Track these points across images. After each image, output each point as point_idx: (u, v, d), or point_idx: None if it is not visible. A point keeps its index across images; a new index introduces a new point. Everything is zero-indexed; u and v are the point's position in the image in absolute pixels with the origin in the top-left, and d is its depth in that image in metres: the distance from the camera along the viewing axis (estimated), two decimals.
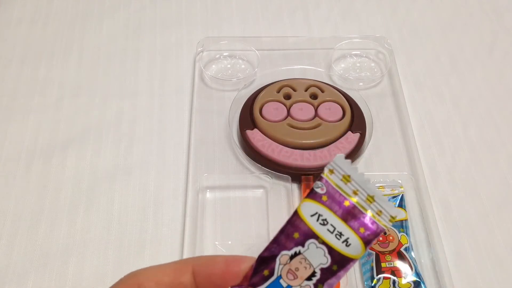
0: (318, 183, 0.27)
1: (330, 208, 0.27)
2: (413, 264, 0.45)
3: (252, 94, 0.58)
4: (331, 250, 0.26)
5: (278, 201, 0.52)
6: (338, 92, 0.58)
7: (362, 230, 0.26)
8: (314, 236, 0.26)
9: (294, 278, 0.26)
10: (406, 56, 0.66)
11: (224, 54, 0.64)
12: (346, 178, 0.27)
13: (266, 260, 0.27)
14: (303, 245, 0.26)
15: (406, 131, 0.57)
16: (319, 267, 0.26)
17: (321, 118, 0.55)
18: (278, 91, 0.58)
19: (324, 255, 0.26)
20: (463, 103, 0.61)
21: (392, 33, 0.68)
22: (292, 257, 0.26)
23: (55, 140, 0.57)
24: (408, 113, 0.58)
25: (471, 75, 0.64)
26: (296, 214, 0.27)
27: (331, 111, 0.56)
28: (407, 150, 0.56)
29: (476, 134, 0.58)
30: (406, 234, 0.47)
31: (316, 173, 0.51)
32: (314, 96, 0.57)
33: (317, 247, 0.26)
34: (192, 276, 0.27)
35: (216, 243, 0.49)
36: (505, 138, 0.57)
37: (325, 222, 0.26)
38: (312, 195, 0.27)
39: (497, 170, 0.55)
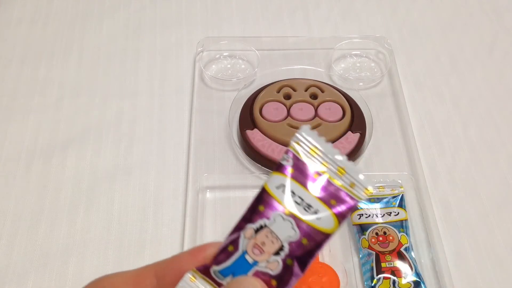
0: (285, 155, 0.26)
1: (297, 180, 0.25)
2: (413, 264, 0.45)
3: (252, 94, 0.58)
4: (299, 222, 0.25)
5: None
6: (338, 92, 0.58)
7: (333, 202, 0.25)
8: (280, 208, 0.25)
9: (261, 253, 0.25)
10: (406, 56, 0.66)
11: (224, 54, 0.64)
12: (314, 150, 0.26)
13: (232, 237, 0.26)
14: (268, 218, 0.25)
15: (406, 131, 0.57)
16: (287, 240, 0.25)
17: (321, 118, 0.55)
18: (278, 91, 0.58)
19: (292, 228, 0.25)
20: (463, 103, 0.61)
21: (392, 33, 0.68)
22: (257, 230, 0.25)
23: (55, 140, 0.57)
24: (408, 113, 0.58)
25: (471, 75, 0.64)
26: (262, 188, 0.26)
27: (331, 111, 0.56)
28: (407, 150, 0.56)
29: (476, 134, 0.58)
30: (406, 234, 0.47)
31: None
32: (314, 96, 0.57)
33: (284, 220, 0.25)
34: (155, 280, 0.26)
35: None
36: (505, 138, 0.57)
37: (292, 194, 0.25)
38: (278, 167, 0.26)
39: (497, 170, 0.55)
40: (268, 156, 0.53)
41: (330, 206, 0.25)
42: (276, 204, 0.25)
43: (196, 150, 0.55)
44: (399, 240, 0.47)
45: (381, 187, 0.51)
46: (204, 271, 0.26)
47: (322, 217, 0.25)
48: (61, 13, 0.70)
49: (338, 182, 0.25)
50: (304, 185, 0.25)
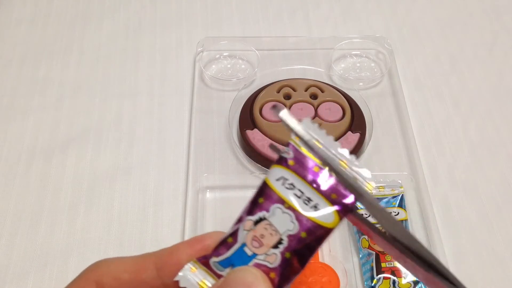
0: (285, 148, 0.26)
1: (298, 173, 0.25)
2: None
3: (252, 94, 0.58)
4: (299, 216, 0.24)
5: None
6: (338, 92, 0.58)
7: (334, 196, 0.25)
8: (280, 200, 0.25)
9: (260, 246, 0.25)
10: (406, 56, 0.66)
11: (224, 54, 0.64)
12: (315, 143, 0.25)
13: (232, 229, 0.25)
14: (267, 210, 0.25)
15: (406, 131, 0.57)
16: (286, 233, 0.24)
17: (321, 118, 0.55)
18: (278, 91, 0.58)
19: (291, 221, 0.25)
20: (463, 103, 0.61)
21: (392, 33, 0.68)
22: (256, 222, 0.25)
23: (55, 140, 0.57)
24: (408, 113, 0.58)
25: (471, 75, 0.64)
26: (263, 181, 0.26)
27: (331, 111, 0.56)
28: (407, 150, 0.56)
29: (476, 134, 0.58)
30: None
31: None
32: (314, 96, 0.57)
33: (283, 212, 0.25)
34: (154, 271, 0.26)
35: None
36: (505, 138, 0.57)
37: (292, 187, 0.25)
38: (278, 160, 0.26)
39: (497, 170, 0.55)
40: (268, 156, 0.53)
41: (331, 200, 0.25)
42: (275, 196, 0.25)
43: (196, 150, 0.55)
44: None
45: (381, 187, 0.51)
46: (204, 262, 0.25)
47: (322, 211, 0.24)
48: (61, 13, 0.70)
49: (339, 176, 0.25)
50: (304, 178, 0.25)
